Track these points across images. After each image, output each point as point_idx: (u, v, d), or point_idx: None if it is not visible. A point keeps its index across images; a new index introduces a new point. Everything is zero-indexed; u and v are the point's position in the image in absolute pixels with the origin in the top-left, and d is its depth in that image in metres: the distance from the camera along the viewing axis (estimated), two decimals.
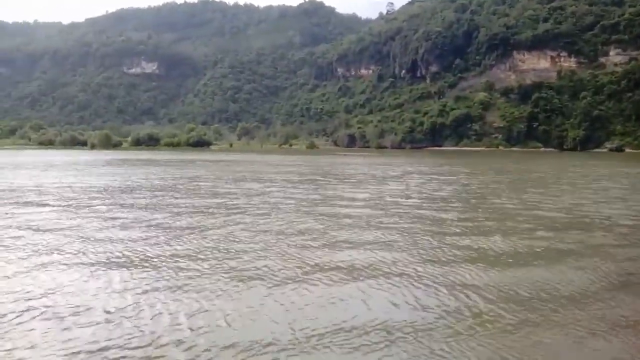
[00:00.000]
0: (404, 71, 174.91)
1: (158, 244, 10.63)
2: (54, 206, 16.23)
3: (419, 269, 8.92)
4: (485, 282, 8.29)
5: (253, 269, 8.76)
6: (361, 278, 8.36)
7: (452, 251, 10.30)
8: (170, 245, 10.57)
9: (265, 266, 8.90)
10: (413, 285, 8.05)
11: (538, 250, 10.65)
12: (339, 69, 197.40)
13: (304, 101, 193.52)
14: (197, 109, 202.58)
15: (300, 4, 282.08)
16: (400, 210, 15.90)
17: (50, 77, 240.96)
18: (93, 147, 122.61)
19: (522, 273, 8.91)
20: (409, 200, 18.92)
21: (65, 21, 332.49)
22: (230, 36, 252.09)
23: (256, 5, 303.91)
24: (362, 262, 9.28)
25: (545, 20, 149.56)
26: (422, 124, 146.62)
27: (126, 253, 9.79)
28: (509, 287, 8.02)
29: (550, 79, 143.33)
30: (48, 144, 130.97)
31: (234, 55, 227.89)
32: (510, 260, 9.77)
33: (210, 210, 15.68)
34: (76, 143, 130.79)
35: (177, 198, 18.92)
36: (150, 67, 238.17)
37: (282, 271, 8.62)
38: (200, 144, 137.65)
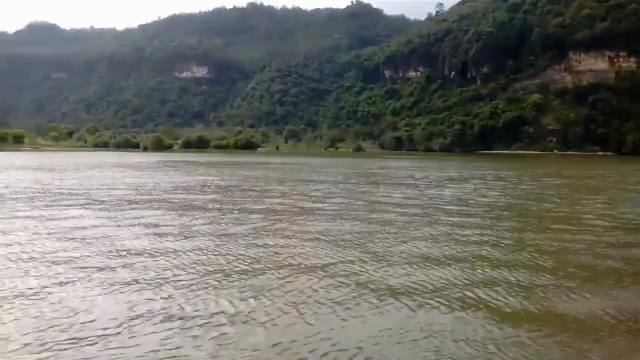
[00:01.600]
0: (453, 73, 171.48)
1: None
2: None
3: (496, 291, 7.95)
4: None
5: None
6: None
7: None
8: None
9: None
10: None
11: None
12: (386, 72, 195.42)
13: (350, 104, 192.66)
14: (245, 112, 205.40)
15: (347, 6, 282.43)
16: (472, 224, 14.88)
17: (106, 81, 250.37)
18: (145, 149, 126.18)
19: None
20: (477, 210, 17.83)
21: (120, 27, 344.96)
22: (278, 40, 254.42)
23: (304, 8, 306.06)
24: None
25: (603, 19, 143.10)
26: (472, 126, 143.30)
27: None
28: None
29: (608, 79, 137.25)
30: (103, 146, 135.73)
31: (281, 59, 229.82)
32: None
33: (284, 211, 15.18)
34: (129, 145, 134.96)
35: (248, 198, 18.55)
36: (200, 72, 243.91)
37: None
38: (248, 146, 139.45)
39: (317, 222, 13.73)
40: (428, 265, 9.08)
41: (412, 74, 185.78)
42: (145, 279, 7.84)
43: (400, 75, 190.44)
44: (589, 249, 10.73)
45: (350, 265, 8.92)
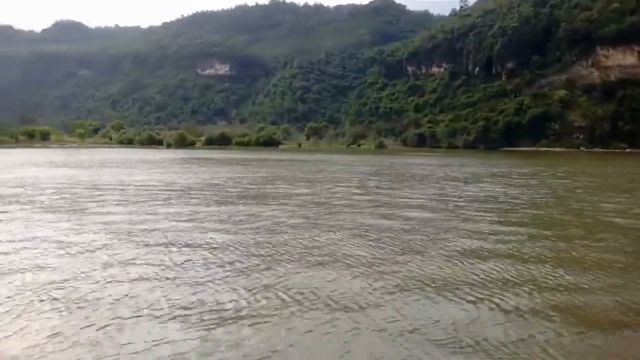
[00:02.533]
0: (477, 69, 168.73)
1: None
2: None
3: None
4: None
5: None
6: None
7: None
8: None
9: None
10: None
11: None
12: (409, 67, 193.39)
13: (373, 100, 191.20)
14: (267, 109, 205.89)
15: (370, 2, 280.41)
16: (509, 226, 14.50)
17: (130, 79, 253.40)
18: (169, 146, 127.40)
19: None
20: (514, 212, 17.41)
21: (144, 25, 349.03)
22: (301, 37, 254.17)
23: (326, 5, 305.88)
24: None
25: (633, 12, 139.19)
26: (496, 123, 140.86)
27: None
28: None
29: (637, 75, 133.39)
30: (127, 142, 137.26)
31: (304, 56, 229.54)
32: None
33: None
34: (153, 142, 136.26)
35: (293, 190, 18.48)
36: (223, 69, 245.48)
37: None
38: (270, 143, 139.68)
39: (361, 218, 13.74)
40: (474, 260, 9.13)
41: (435, 69, 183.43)
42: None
43: (424, 71, 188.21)
44: None
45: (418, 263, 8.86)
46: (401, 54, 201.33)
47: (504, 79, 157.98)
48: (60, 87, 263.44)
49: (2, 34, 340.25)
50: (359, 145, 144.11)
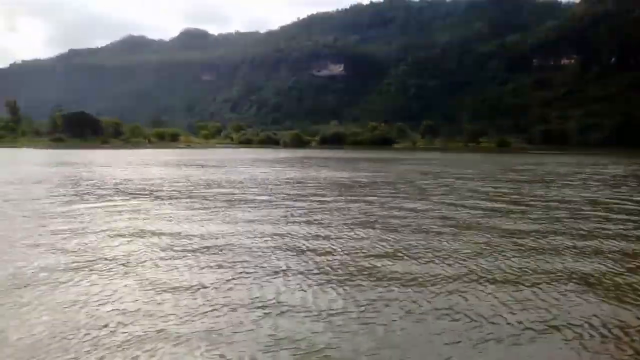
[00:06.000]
0: (613, 59, 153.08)
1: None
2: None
3: None
4: None
5: None
6: None
7: None
8: None
9: None
10: None
11: None
12: (534, 60, 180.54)
13: (493, 96, 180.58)
14: (380, 107, 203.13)
15: None
16: None
17: (248, 82, 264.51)
18: (285, 146, 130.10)
19: None
20: None
21: (262, 30, 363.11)
22: (415, 33, 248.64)
23: None
24: None
25: None
26: (636, 118, 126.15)
27: None
28: None
29: None
30: (247, 142, 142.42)
31: (418, 52, 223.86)
32: None
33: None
34: (270, 142, 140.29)
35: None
36: (336, 69, 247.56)
37: None
38: (383, 142, 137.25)
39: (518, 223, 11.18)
40: None
41: (564, 61, 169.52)
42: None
43: (551, 62, 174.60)
44: None
45: None
46: (525, 46, 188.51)
47: None
48: (186, 91, 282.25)
49: (136, 44, 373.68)
50: (478, 144, 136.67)
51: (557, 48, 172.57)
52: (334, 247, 8.83)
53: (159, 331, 5.12)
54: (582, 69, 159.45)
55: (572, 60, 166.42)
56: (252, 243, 9.05)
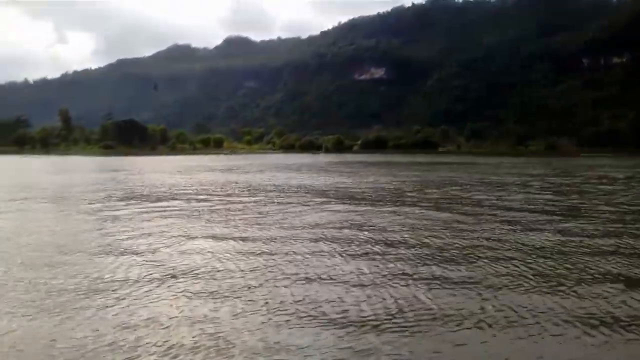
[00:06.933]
0: None
1: None
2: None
3: None
4: None
5: None
6: None
7: None
8: None
9: None
10: None
11: None
12: (583, 59, 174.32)
13: (540, 97, 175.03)
14: (423, 110, 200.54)
15: None
16: None
17: (291, 87, 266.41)
18: (327, 150, 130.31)
19: None
20: None
21: (303, 36, 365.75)
22: (459, 34, 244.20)
23: None
24: None
25: None
26: None
27: None
28: None
29: None
30: (289, 148, 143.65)
31: (462, 54, 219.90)
32: None
33: None
34: (312, 147, 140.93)
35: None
36: (378, 73, 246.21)
37: None
38: (427, 145, 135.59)
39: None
40: None
41: (615, 60, 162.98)
42: None
43: (602, 62, 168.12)
44: None
45: None
46: (574, 45, 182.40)
47: None
48: (230, 98, 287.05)
49: (182, 52, 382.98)
50: (526, 147, 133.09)
51: (607, 47, 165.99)
52: None
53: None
54: (635, 67, 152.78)
55: (624, 59, 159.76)
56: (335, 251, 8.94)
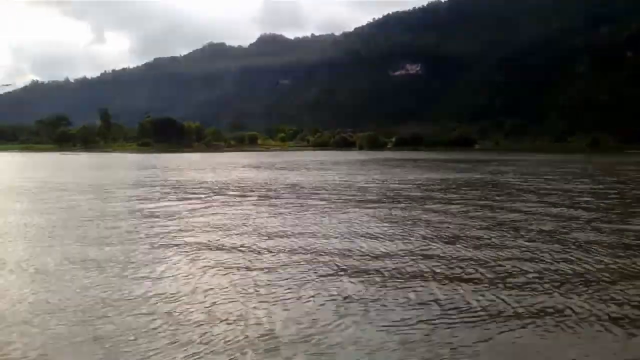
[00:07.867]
0: None
1: None
2: None
3: None
4: None
5: None
6: None
7: None
8: None
9: None
10: None
11: None
12: (628, 53, 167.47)
13: (583, 92, 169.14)
14: (460, 107, 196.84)
15: None
16: None
17: (325, 85, 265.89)
18: (361, 148, 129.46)
19: None
20: None
21: (337, 33, 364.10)
22: (498, 28, 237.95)
23: None
24: None
25: None
26: None
27: None
28: None
29: None
30: (322, 145, 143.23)
31: (501, 48, 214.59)
32: None
33: None
34: (346, 144, 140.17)
35: None
36: (413, 69, 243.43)
37: None
38: (463, 143, 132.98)
39: None
40: None
41: None
42: None
43: None
44: None
45: None
46: (618, 39, 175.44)
47: None
48: (264, 95, 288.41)
49: (217, 51, 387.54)
50: (567, 143, 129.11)
51: None
52: None
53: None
54: None
55: None
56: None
